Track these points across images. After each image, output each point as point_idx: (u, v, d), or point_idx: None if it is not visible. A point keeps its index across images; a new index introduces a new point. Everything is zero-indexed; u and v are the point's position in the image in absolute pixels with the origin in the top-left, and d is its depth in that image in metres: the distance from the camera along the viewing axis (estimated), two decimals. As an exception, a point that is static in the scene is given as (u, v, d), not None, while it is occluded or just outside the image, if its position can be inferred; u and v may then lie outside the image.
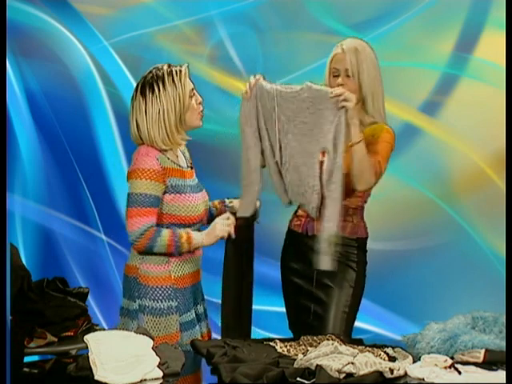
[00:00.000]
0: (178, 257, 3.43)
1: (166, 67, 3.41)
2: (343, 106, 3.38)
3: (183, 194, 3.42)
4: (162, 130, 3.39)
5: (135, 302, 3.42)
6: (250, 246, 3.61)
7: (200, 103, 3.46)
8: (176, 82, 3.38)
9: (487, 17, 5.02)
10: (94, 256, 5.31)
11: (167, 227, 3.40)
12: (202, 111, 3.47)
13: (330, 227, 3.45)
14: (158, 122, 3.38)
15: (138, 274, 3.42)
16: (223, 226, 3.43)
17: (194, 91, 3.45)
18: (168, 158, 3.42)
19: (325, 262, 3.47)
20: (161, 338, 3.31)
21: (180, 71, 3.41)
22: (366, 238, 3.72)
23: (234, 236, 3.45)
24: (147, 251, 3.37)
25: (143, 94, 3.39)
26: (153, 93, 3.37)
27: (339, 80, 3.56)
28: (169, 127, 3.39)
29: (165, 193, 3.40)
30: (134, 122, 3.41)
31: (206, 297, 3.63)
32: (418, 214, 5.03)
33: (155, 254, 3.40)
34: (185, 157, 3.54)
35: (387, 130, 3.61)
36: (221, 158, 5.12)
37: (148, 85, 3.39)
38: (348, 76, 3.56)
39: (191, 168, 3.55)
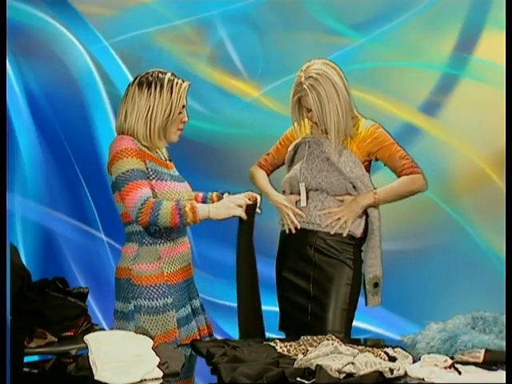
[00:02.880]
0: (168, 253, 3.44)
1: (169, 74, 3.47)
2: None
3: (164, 181, 3.44)
4: (146, 126, 3.43)
5: (130, 303, 3.42)
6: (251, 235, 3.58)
7: (184, 122, 3.51)
8: (173, 92, 3.44)
9: (487, 17, 5.01)
10: (94, 256, 5.30)
11: None
12: (181, 129, 3.51)
13: (372, 271, 3.77)
14: (145, 119, 3.42)
15: (131, 275, 3.43)
16: (235, 204, 3.40)
17: (184, 110, 3.50)
18: (144, 145, 3.45)
19: (372, 301, 3.82)
20: (159, 336, 3.33)
21: (181, 84, 3.45)
22: (362, 237, 3.75)
23: (245, 217, 3.42)
24: (153, 224, 3.33)
25: (140, 87, 3.44)
26: (148, 89, 3.42)
27: (314, 118, 3.69)
28: (153, 127, 3.43)
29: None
30: (123, 110, 3.45)
31: (202, 295, 3.62)
32: (418, 213, 5.03)
33: (148, 250, 3.41)
34: (162, 154, 3.57)
35: (374, 129, 3.74)
36: (221, 158, 5.12)
37: (146, 81, 3.44)
38: (318, 110, 3.66)
39: (170, 161, 3.57)
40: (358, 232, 3.72)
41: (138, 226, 3.43)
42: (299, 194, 3.76)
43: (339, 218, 3.68)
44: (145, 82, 3.43)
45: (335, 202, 3.71)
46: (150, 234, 3.43)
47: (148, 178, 3.39)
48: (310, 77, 3.64)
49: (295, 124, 3.80)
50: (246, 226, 3.47)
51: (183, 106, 3.48)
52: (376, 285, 3.77)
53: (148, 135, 3.43)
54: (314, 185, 3.71)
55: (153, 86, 3.42)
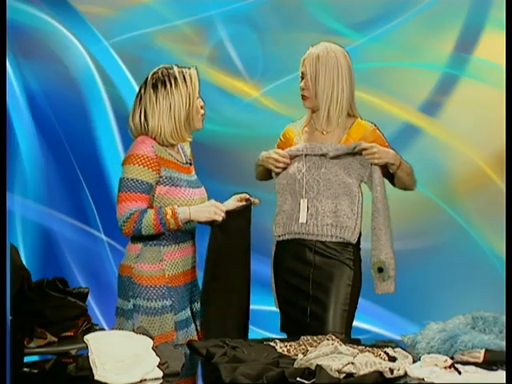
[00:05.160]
0: (171, 255, 3.45)
1: (176, 67, 3.49)
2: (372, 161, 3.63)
3: (178, 188, 3.44)
4: (171, 124, 3.44)
5: (129, 301, 3.43)
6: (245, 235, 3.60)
7: (202, 107, 3.54)
8: (187, 82, 3.46)
9: (487, 17, 5.02)
10: (94, 256, 5.31)
11: None
12: (203, 114, 3.54)
13: (375, 255, 3.66)
14: (169, 116, 3.43)
15: (133, 273, 3.43)
16: (218, 209, 3.43)
17: (199, 95, 3.50)
18: (165, 150, 3.46)
19: (381, 287, 3.69)
20: (156, 338, 3.30)
21: (191, 73, 3.49)
22: (360, 236, 3.73)
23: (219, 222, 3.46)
24: (136, 235, 3.39)
25: (155, 88, 3.45)
26: (165, 88, 3.44)
27: (301, 83, 3.72)
28: (178, 122, 3.44)
29: (159, 184, 3.42)
30: (142, 113, 3.45)
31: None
32: (418, 214, 5.04)
33: (151, 251, 3.43)
34: (184, 153, 3.57)
35: (374, 130, 3.74)
36: (221, 158, 5.12)
37: (160, 80, 3.45)
38: (309, 80, 3.69)
39: (190, 164, 3.57)
40: (353, 238, 3.69)
41: None
42: (295, 194, 3.74)
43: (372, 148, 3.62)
44: (159, 82, 3.44)
45: (330, 206, 3.67)
46: (155, 235, 3.43)
47: (150, 191, 3.40)
48: (318, 46, 3.71)
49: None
50: (242, 223, 3.52)
51: (198, 91, 3.51)
52: (380, 270, 3.66)
53: (176, 131, 3.44)
54: (311, 183, 3.69)
55: (167, 82, 3.44)
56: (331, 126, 3.71)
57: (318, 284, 3.66)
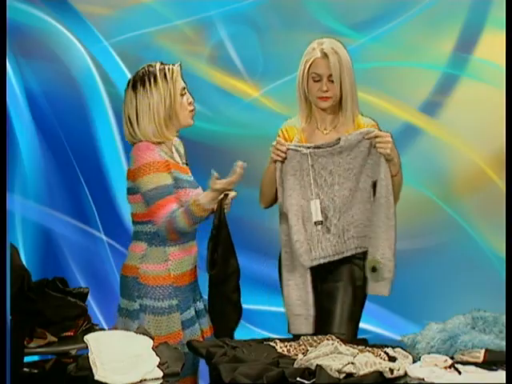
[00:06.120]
0: (176, 255, 3.45)
1: (158, 65, 3.45)
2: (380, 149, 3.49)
3: (183, 190, 3.43)
4: (151, 123, 3.40)
5: (135, 302, 3.42)
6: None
7: (191, 103, 3.49)
8: (168, 79, 3.42)
9: (487, 17, 5.02)
10: (93, 256, 5.30)
11: None
12: (192, 110, 3.49)
13: (371, 253, 3.52)
14: (148, 116, 3.40)
15: (138, 273, 3.43)
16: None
17: (186, 90, 3.48)
18: (165, 153, 3.44)
19: (373, 288, 3.55)
20: (164, 337, 3.32)
21: (172, 69, 3.44)
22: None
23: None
24: (179, 232, 3.38)
25: (134, 89, 3.42)
26: (143, 87, 3.40)
27: (324, 87, 3.58)
28: (158, 121, 3.41)
29: None
30: (127, 118, 3.43)
31: (204, 296, 3.62)
32: (418, 214, 5.03)
33: (156, 251, 3.43)
34: (179, 153, 3.56)
35: (373, 126, 3.64)
36: (220, 158, 5.12)
37: (140, 80, 3.42)
38: (331, 81, 3.58)
39: (186, 164, 3.57)
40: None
41: (148, 227, 3.45)
42: (310, 214, 3.56)
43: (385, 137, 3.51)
44: (138, 81, 3.42)
45: (348, 220, 3.58)
46: (160, 236, 3.43)
47: (173, 190, 3.40)
48: (327, 44, 3.59)
49: (301, 105, 3.67)
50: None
51: (184, 88, 3.46)
52: (374, 269, 3.51)
53: (156, 130, 3.41)
54: (326, 201, 3.56)
55: (147, 81, 3.41)
56: (345, 125, 3.64)
57: (325, 283, 3.62)
